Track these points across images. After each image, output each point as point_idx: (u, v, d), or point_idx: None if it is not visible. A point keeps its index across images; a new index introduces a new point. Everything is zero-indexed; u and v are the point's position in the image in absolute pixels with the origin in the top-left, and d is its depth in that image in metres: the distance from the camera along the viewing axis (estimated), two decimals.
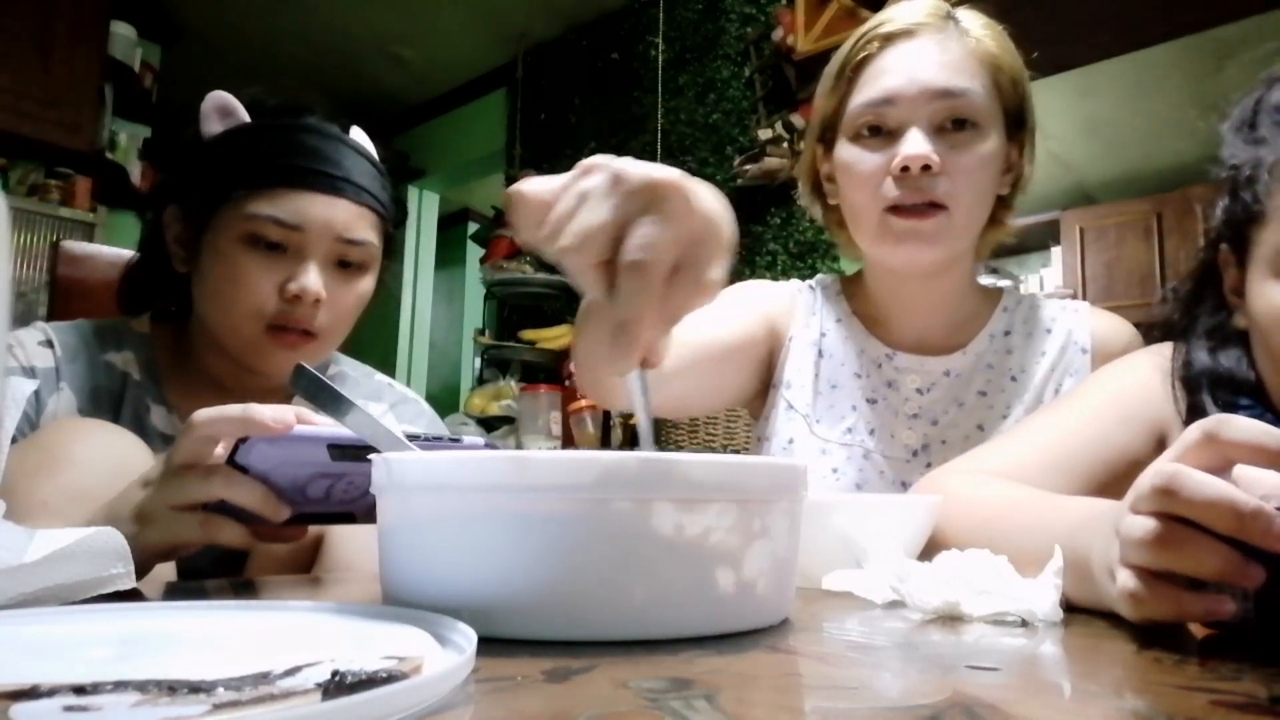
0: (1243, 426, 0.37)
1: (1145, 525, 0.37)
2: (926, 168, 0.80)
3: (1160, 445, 0.71)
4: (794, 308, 0.99)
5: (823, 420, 0.93)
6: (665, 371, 0.75)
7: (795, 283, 1.03)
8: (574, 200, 0.41)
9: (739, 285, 1.01)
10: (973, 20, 0.86)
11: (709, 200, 0.42)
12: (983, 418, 0.90)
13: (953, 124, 0.82)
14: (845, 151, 0.87)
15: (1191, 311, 0.73)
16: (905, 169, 0.81)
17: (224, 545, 0.57)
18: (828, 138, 0.90)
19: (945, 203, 0.82)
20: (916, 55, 0.83)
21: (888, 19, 0.86)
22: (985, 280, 1.01)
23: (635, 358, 0.40)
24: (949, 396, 0.91)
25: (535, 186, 0.42)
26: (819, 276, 1.03)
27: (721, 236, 0.43)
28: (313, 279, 0.83)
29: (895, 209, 0.83)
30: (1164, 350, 0.74)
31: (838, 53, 0.90)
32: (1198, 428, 0.39)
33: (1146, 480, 0.38)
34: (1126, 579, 0.39)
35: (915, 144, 0.80)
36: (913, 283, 0.91)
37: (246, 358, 0.86)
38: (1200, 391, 0.67)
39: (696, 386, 0.88)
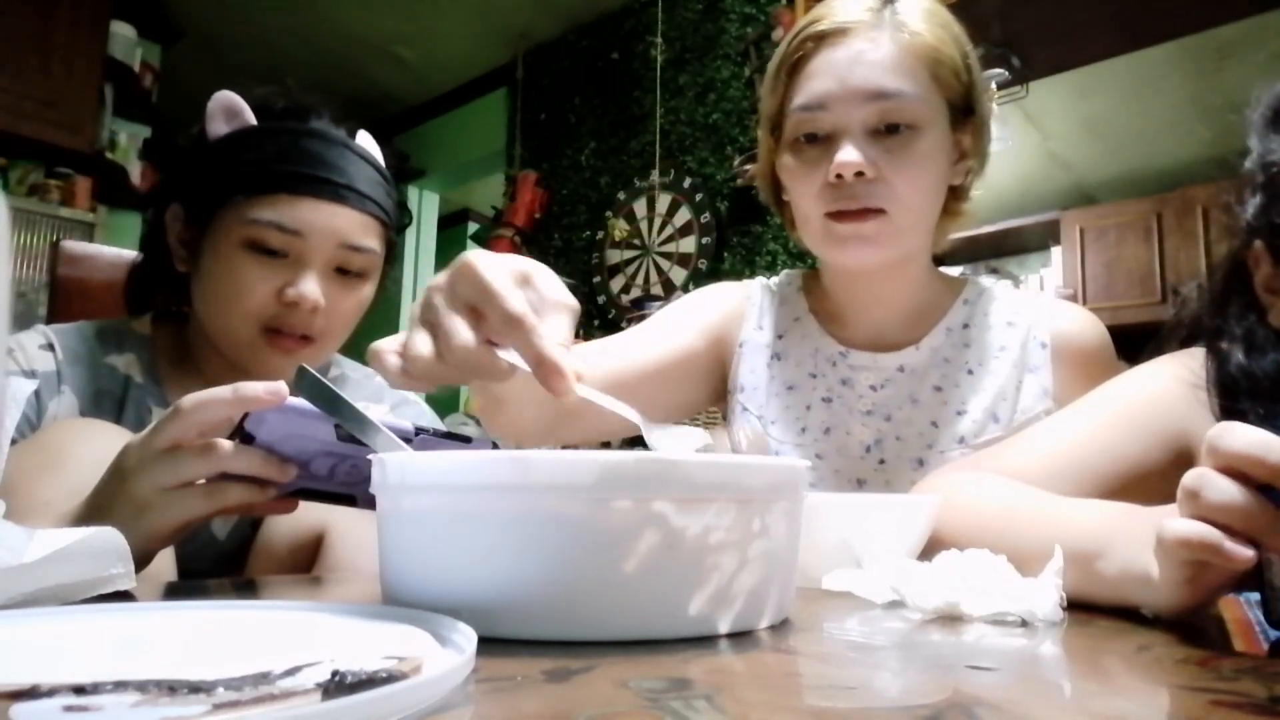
0: (1240, 436, 0.38)
1: (1189, 475, 0.39)
2: (861, 174, 0.79)
3: (1179, 457, 0.69)
4: (744, 312, 0.98)
5: (778, 421, 0.92)
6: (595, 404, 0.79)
7: (753, 282, 1.01)
8: (425, 332, 0.45)
9: (686, 296, 1.01)
10: (911, 8, 0.83)
11: (496, 256, 0.46)
12: (937, 414, 0.88)
13: (887, 127, 0.80)
14: (786, 159, 0.86)
15: (1222, 312, 0.70)
16: (840, 176, 0.80)
17: (231, 511, 0.56)
18: (777, 135, 0.89)
19: (884, 207, 0.80)
20: (848, 56, 0.81)
21: (822, 15, 0.84)
22: (985, 279, 0.99)
23: (570, 378, 0.42)
24: (903, 393, 0.90)
25: (388, 342, 0.46)
26: (785, 273, 1.02)
27: (535, 271, 0.46)
28: (311, 286, 0.83)
29: (836, 214, 0.82)
30: (1188, 359, 0.71)
31: (777, 50, 0.88)
32: (1206, 438, 0.40)
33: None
34: (1163, 523, 0.40)
35: (847, 152, 0.79)
36: (865, 279, 0.90)
37: (242, 360, 0.85)
38: (1238, 399, 0.65)
39: (636, 409, 0.88)
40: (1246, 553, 0.37)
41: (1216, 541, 0.37)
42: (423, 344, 0.45)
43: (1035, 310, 0.91)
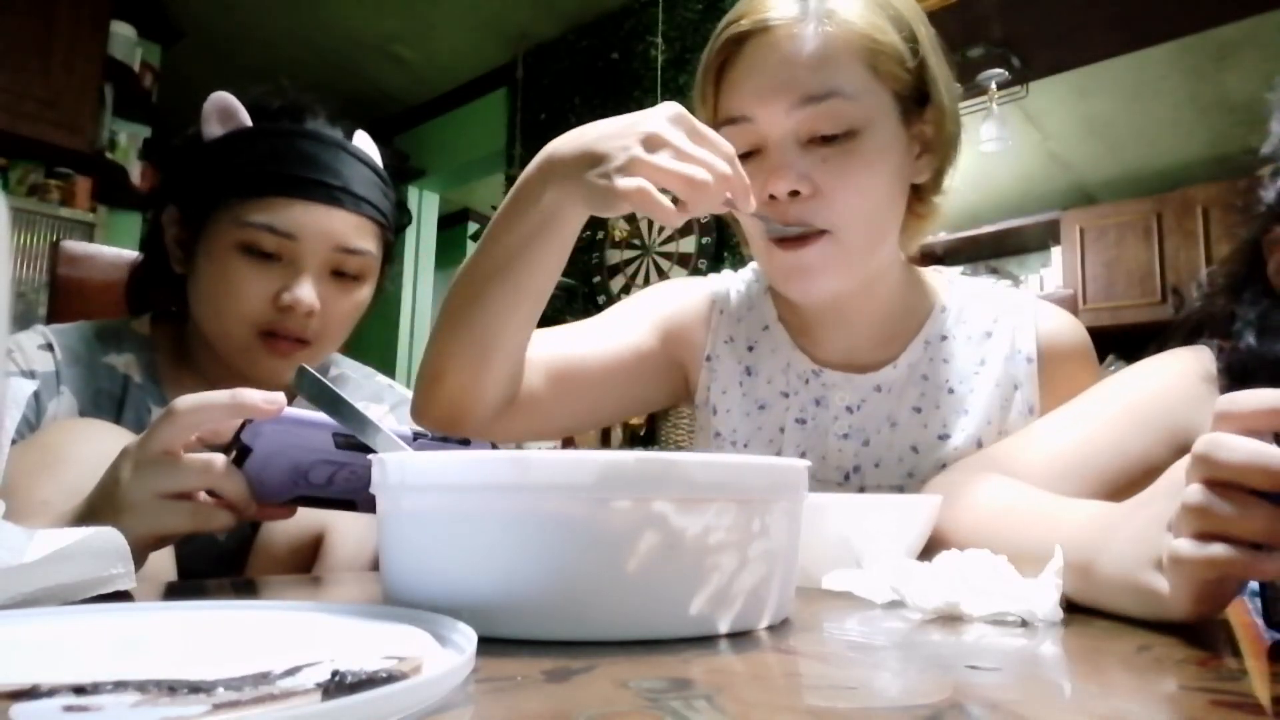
0: (1250, 396, 0.38)
1: (1191, 491, 0.39)
2: (796, 192, 0.72)
3: (1183, 452, 0.69)
4: (710, 321, 0.91)
5: (751, 444, 0.87)
6: (539, 395, 0.79)
7: (719, 284, 0.94)
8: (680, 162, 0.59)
9: (645, 290, 0.95)
10: None
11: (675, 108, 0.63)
12: (917, 438, 0.82)
13: (823, 136, 0.72)
14: None
15: (1237, 298, 0.68)
16: (773, 196, 0.72)
17: (213, 531, 0.57)
18: None
19: (826, 227, 0.73)
20: (769, 60, 0.73)
21: (744, 12, 0.75)
22: (984, 279, 0.95)
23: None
24: (880, 414, 0.84)
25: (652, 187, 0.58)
26: (751, 266, 0.94)
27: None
28: (306, 291, 0.82)
29: (776, 239, 0.75)
30: (1194, 354, 0.70)
31: (704, 53, 0.79)
32: (1214, 410, 0.39)
33: (1192, 451, 0.39)
34: (1176, 545, 0.39)
35: (777, 172, 0.72)
36: (829, 301, 0.82)
37: (238, 362, 0.85)
38: (1251, 383, 0.65)
39: (582, 406, 0.84)
40: (1278, 564, 0.36)
41: (1244, 561, 0.37)
42: (698, 171, 0.58)
43: (1014, 316, 0.85)
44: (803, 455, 0.85)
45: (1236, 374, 0.65)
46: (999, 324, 0.86)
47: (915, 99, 0.76)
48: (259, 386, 0.87)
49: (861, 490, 0.83)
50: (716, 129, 0.76)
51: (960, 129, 0.82)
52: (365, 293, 0.90)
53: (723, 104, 0.77)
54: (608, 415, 0.89)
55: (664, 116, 0.60)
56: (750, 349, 0.90)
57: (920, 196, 0.81)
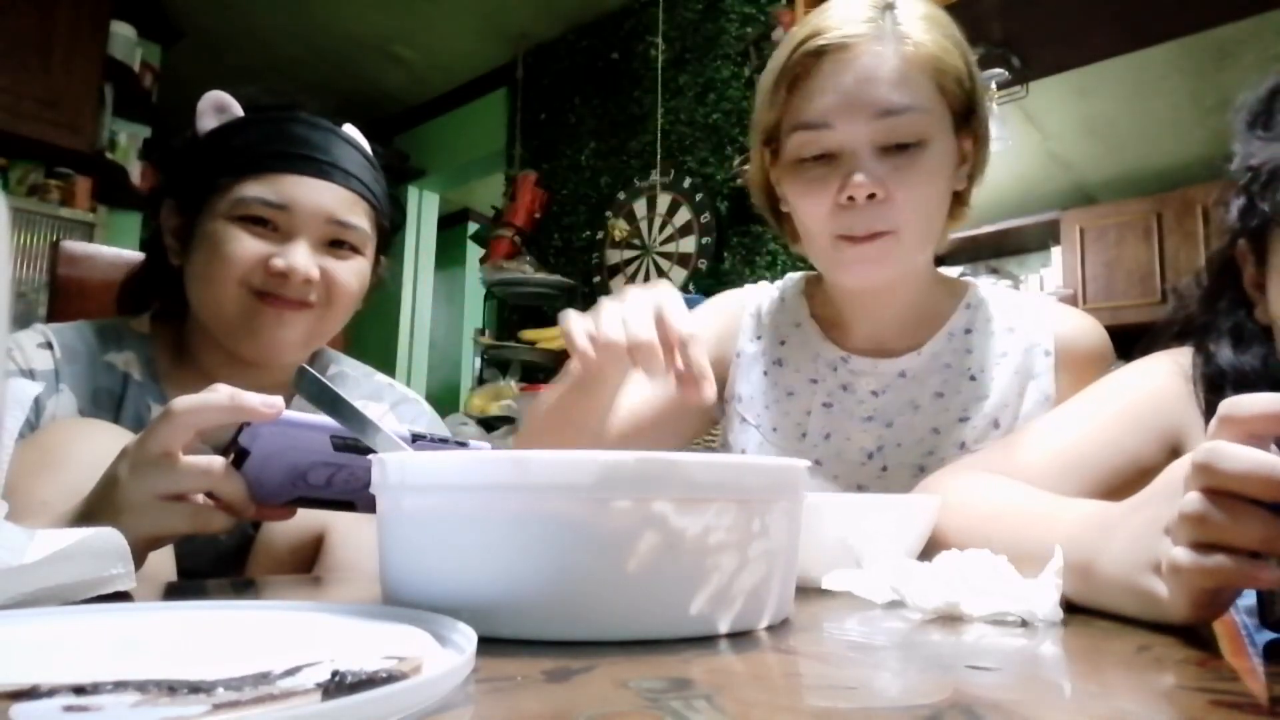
0: (1253, 401, 0.38)
1: (1190, 500, 0.38)
2: (873, 195, 0.78)
3: (1173, 452, 0.69)
4: (740, 325, 0.98)
5: (779, 428, 0.92)
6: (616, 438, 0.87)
7: (755, 293, 1.01)
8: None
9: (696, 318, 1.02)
10: (911, 16, 0.80)
11: (671, 291, 0.68)
12: (938, 420, 0.88)
13: (896, 146, 0.78)
14: (790, 178, 0.84)
15: (1212, 308, 0.70)
16: (851, 199, 0.78)
17: (213, 533, 0.57)
18: (773, 146, 0.87)
19: (892, 228, 0.79)
20: (852, 72, 0.78)
21: (821, 29, 0.80)
22: (985, 282, 0.98)
23: (710, 390, 0.63)
24: (904, 398, 0.89)
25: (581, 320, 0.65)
26: (789, 276, 1.02)
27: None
28: (300, 256, 0.82)
29: (845, 237, 0.81)
30: (1180, 355, 0.72)
31: (772, 62, 0.85)
32: (1216, 414, 0.39)
33: (1191, 459, 0.39)
34: (1175, 554, 0.39)
35: (860, 175, 0.78)
36: (869, 289, 0.89)
37: (237, 336, 0.84)
38: (1225, 392, 0.66)
39: (654, 442, 0.90)
40: (1276, 574, 0.36)
41: (1242, 571, 0.37)
42: (613, 329, 0.63)
43: (1035, 315, 0.91)
44: (827, 436, 0.91)
45: (1214, 384, 0.67)
46: (1020, 320, 0.91)
47: (964, 115, 0.84)
48: (260, 373, 0.87)
49: (884, 469, 0.88)
50: (787, 134, 0.83)
51: (990, 143, 0.89)
52: (362, 264, 0.90)
53: (797, 110, 0.82)
54: (686, 437, 0.98)
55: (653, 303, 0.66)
56: (781, 343, 0.97)
57: (957, 201, 0.89)
